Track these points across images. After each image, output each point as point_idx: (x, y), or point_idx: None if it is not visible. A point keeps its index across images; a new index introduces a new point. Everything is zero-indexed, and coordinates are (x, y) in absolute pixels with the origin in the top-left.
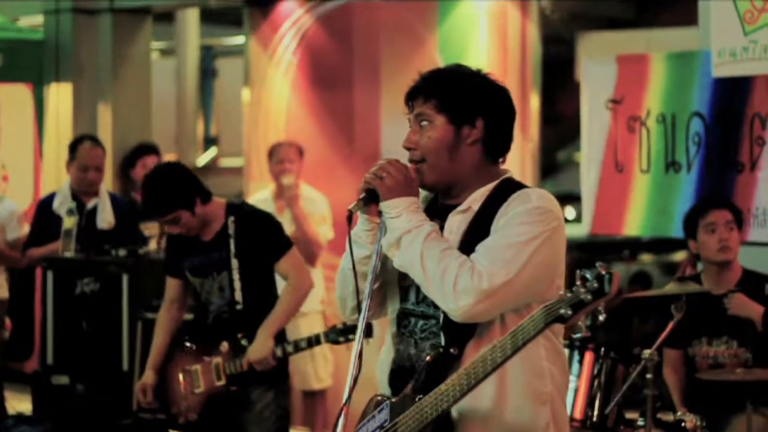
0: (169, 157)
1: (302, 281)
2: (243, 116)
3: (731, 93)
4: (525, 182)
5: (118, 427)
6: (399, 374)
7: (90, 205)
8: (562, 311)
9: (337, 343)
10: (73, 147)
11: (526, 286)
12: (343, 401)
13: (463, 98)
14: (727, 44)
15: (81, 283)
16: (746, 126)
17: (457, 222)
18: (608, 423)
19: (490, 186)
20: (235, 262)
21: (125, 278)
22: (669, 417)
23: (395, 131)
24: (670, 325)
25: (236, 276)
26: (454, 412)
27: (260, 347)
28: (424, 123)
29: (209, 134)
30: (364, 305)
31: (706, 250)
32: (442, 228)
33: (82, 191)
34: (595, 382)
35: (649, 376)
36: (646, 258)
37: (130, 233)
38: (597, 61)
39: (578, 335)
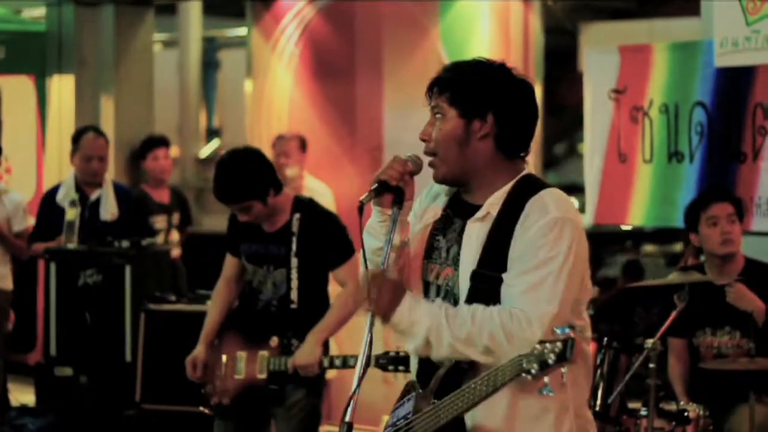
0: (172, 149)
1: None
2: (246, 108)
3: (733, 83)
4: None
5: (121, 418)
6: (426, 366)
7: (93, 196)
8: (529, 366)
9: (385, 370)
10: (76, 138)
11: (568, 304)
12: (353, 390)
13: (474, 92)
14: (729, 34)
15: (84, 274)
16: (748, 116)
17: (477, 230)
18: (611, 413)
19: (507, 187)
20: (294, 261)
21: (128, 269)
22: (672, 407)
23: (398, 122)
24: (673, 314)
25: (294, 275)
26: (469, 421)
27: (308, 353)
28: (438, 115)
29: (212, 126)
30: (391, 260)
31: (709, 244)
32: (463, 229)
33: (86, 182)
34: (598, 372)
35: (651, 365)
36: (648, 248)
37: (135, 224)
38: (600, 51)
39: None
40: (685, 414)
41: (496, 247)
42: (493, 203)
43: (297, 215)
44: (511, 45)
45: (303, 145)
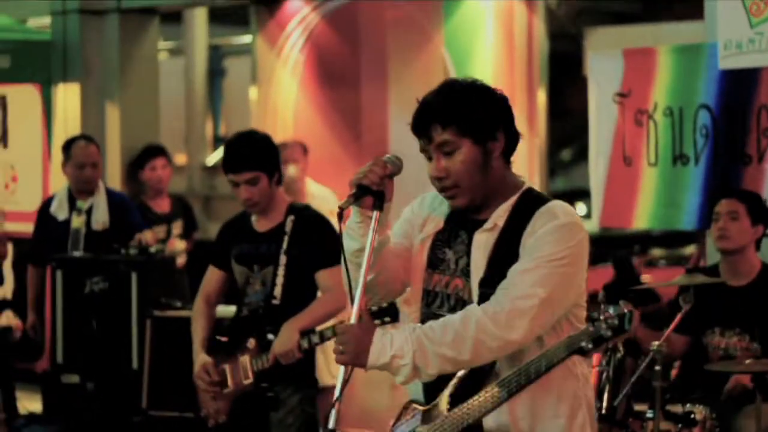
0: (178, 157)
1: (340, 299)
2: (251, 115)
3: (738, 85)
4: (533, 178)
5: (128, 425)
6: (431, 385)
7: (86, 205)
8: (583, 344)
9: None
10: (67, 147)
11: (560, 302)
12: (335, 398)
13: (480, 116)
14: (733, 36)
15: (90, 282)
16: (753, 118)
17: (484, 240)
18: (617, 415)
19: (512, 200)
20: (283, 259)
21: (134, 277)
22: (678, 409)
23: (403, 127)
24: (678, 316)
25: (281, 272)
26: (492, 423)
27: (285, 340)
28: (449, 150)
29: (218, 133)
30: (357, 298)
31: (712, 239)
32: (470, 240)
33: (80, 190)
34: (604, 375)
35: (657, 368)
36: (657, 252)
37: (127, 232)
38: (604, 54)
39: None
40: (692, 416)
41: (504, 253)
42: (499, 215)
43: (291, 217)
44: (516, 50)
45: (305, 150)
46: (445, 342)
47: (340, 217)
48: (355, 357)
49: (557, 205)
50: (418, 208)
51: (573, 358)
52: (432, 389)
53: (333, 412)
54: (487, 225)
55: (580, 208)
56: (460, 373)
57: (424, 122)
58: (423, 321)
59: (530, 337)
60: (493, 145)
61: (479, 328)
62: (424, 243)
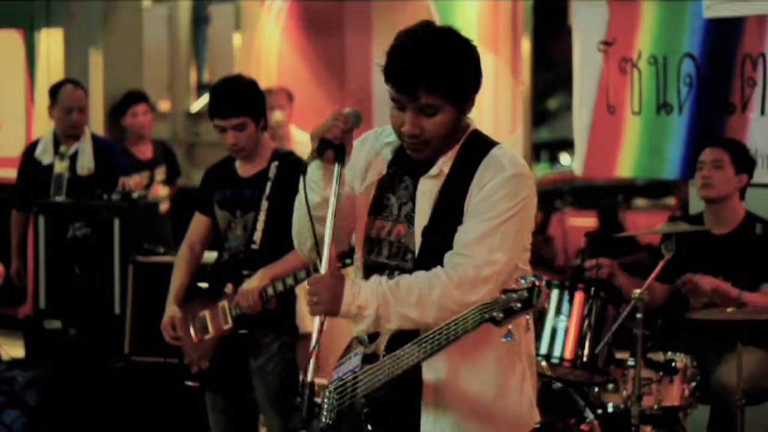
0: (162, 104)
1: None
2: (235, 62)
3: (722, 34)
4: (517, 127)
5: (110, 370)
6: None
7: (71, 150)
8: (495, 314)
9: None
10: (54, 91)
11: (517, 256)
12: (312, 346)
13: (466, 84)
14: None
15: (72, 227)
16: (737, 67)
17: (429, 187)
18: (598, 363)
19: (458, 144)
20: (265, 204)
21: (117, 222)
22: (659, 357)
23: None
24: (660, 264)
25: (262, 217)
26: (430, 374)
27: (250, 283)
28: (430, 112)
29: (202, 80)
30: (326, 248)
31: (696, 187)
32: (415, 186)
33: (66, 135)
34: (585, 322)
35: (639, 315)
36: (640, 202)
37: (113, 177)
38: (589, 3)
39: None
40: (673, 364)
41: (449, 202)
42: (445, 161)
43: (275, 163)
44: None
45: (290, 97)
46: (409, 303)
47: (305, 172)
48: (328, 306)
49: (503, 153)
50: (358, 152)
51: None
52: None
53: (311, 363)
54: (433, 171)
55: (565, 158)
56: None
57: (408, 81)
58: (365, 270)
59: (489, 295)
60: (467, 107)
61: (444, 293)
62: (368, 190)
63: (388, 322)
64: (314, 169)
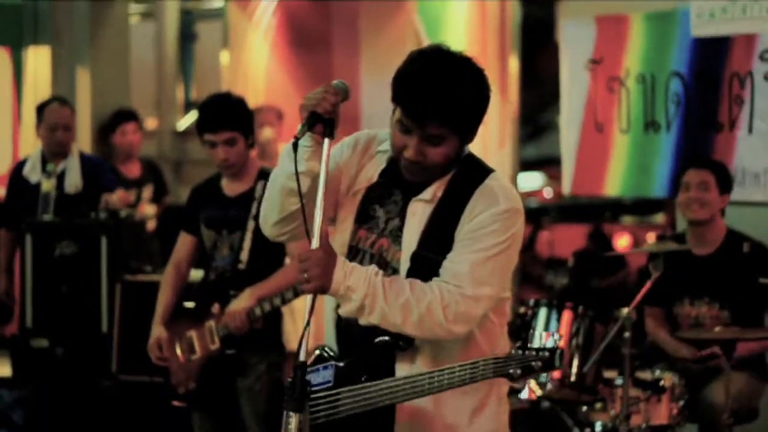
0: (149, 121)
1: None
2: (223, 79)
3: (710, 53)
4: (505, 145)
5: (98, 389)
6: (347, 331)
7: (59, 168)
8: (511, 371)
9: None
10: (40, 109)
11: (498, 294)
12: (304, 325)
13: (476, 120)
14: (706, 4)
15: (60, 245)
16: (725, 86)
17: (420, 210)
18: (586, 381)
19: (453, 170)
20: (251, 224)
21: (104, 240)
22: (647, 376)
23: (374, 93)
24: (648, 283)
25: (248, 236)
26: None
27: (236, 303)
28: (437, 141)
29: (189, 98)
30: (316, 223)
31: (681, 209)
32: (404, 204)
33: (53, 153)
34: (574, 341)
35: (627, 334)
36: (628, 219)
37: (101, 194)
38: (576, 21)
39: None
40: (660, 383)
41: (439, 229)
42: (439, 186)
43: (262, 182)
44: (488, 16)
45: (279, 116)
46: (395, 304)
47: (295, 148)
48: (319, 282)
49: (497, 184)
50: (350, 151)
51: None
52: (346, 343)
53: (303, 343)
54: (426, 195)
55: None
56: (379, 339)
57: (422, 113)
58: (349, 255)
59: (470, 330)
60: (472, 138)
61: (430, 309)
62: (355, 196)
63: (370, 314)
64: (304, 140)
